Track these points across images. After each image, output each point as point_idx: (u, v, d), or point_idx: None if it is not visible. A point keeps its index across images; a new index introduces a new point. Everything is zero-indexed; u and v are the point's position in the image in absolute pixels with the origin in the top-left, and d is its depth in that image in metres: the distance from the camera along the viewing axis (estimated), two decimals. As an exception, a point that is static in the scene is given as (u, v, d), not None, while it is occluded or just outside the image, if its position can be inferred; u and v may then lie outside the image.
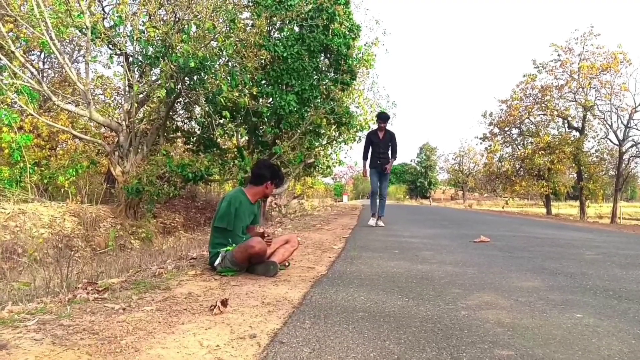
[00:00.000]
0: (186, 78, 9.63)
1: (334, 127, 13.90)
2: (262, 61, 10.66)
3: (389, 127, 8.74)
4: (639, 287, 3.20)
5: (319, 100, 12.10)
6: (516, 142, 26.20)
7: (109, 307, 2.52)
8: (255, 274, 3.59)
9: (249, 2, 11.65)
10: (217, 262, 3.60)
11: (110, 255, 7.32)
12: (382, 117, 8.79)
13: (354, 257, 4.20)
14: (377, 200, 8.69)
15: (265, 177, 3.90)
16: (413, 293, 2.98)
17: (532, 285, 3.26)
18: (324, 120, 12.19)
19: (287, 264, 3.97)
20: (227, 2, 10.16)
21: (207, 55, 8.95)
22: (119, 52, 9.93)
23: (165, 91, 9.01)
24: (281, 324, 2.30)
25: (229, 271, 3.54)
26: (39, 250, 7.12)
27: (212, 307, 2.50)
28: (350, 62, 12.30)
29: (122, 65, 10.27)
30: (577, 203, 26.13)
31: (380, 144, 8.57)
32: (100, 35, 9.24)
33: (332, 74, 12.60)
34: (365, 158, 8.76)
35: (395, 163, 9.21)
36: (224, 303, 2.53)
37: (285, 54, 10.93)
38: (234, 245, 3.61)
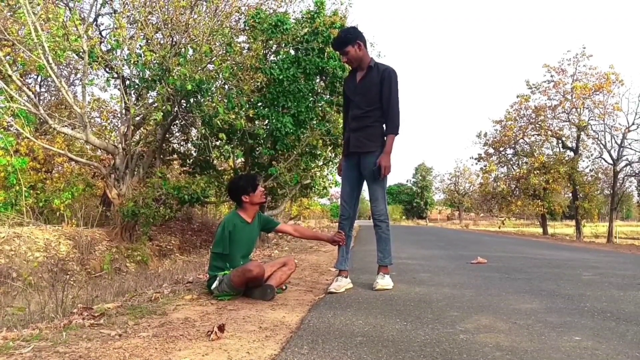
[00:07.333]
0: (183, 101, 9.72)
1: (330, 148, 13.96)
2: (259, 84, 10.77)
3: (379, 59, 3.78)
4: (637, 309, 3.19)
5: (314, 122, 12.19)
6: (511, 162, 26.39)
7: (105, 333, 2.50)
8: (252, 297, 3.56)
9: (245, 26, 11.83)
10: (214, 285, 3.58)
11: (105, 279, 7.27)
12: (340, 41, 3.79)
13: (352, 279, 4.18)
14: (351, 232, 4.33)
15: (239, 194, 3.75)
16: (411, 316, 2.96)
17: (530, 307, 3.24)
18: (320, 141, 12.25)
19: (284, 287, 3.94)
20: (224, 26, 10.31)
21: (204, 78, 9.05)
22: (116, 75, 10.01)
23: (162, 114, 9.07)
24: (279, 350, 2.28)
25: (226, 295, 3.52)
26: (34, 274, 7.07)
27: (209, 333, 2.47)
28: (345, 84, 12.39)
29: (118, 89, 10.34)
30: (573, 222, 26.19)
31: (356, 98, 3.87)
32: (98, 58, 9.33)
33: (328, 96, 12.71)
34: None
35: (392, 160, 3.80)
36: (221, 328, 2.50)
37: (281, 77, 11.04)
38: (231, 269, 3.59)
